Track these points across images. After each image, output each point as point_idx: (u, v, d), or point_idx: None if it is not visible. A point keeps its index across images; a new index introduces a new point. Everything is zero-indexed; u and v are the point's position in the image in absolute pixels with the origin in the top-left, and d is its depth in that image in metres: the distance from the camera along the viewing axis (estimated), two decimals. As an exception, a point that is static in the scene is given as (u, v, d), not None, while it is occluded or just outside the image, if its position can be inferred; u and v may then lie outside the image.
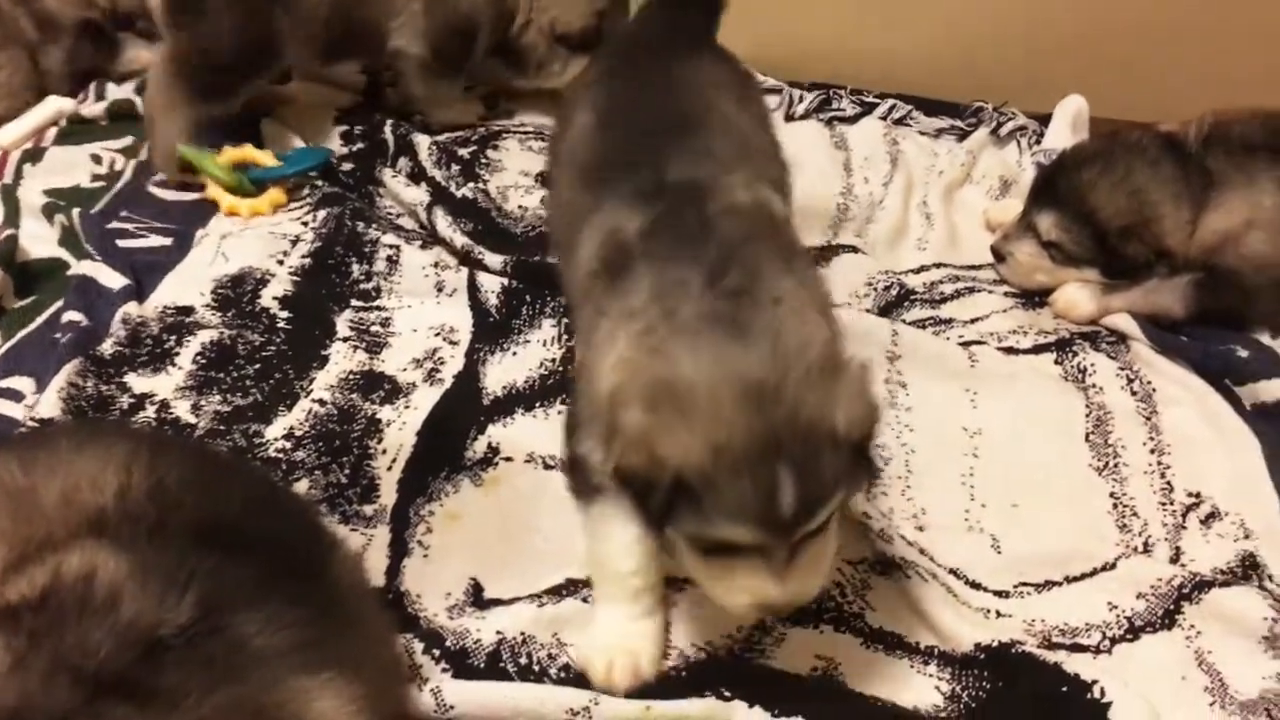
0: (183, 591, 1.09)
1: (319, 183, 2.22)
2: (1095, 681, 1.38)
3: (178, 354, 1.83)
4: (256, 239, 2.08)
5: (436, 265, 2.06)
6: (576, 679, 1.38)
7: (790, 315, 1.24)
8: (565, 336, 1.90)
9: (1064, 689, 1.37)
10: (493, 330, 1.92)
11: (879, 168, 2.41)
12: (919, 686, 1.40)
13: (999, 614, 1.50)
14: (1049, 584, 1.54)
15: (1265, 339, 1.94)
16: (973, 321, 2.02)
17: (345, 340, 1.89)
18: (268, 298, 1.96)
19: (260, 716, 1.05)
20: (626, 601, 1.39)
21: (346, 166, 2.29)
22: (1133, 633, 1.47)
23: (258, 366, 1.83)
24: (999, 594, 1.53)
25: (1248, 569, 1.55)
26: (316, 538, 1.32)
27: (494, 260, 2.02)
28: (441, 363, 1.86)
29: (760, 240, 1.35)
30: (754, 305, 1.24)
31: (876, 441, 1.28)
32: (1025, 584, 1.53)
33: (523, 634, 1.42)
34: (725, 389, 1.17)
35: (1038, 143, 2.46)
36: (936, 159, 2.45)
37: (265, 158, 2.21)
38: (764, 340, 1.20)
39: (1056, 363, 1.92)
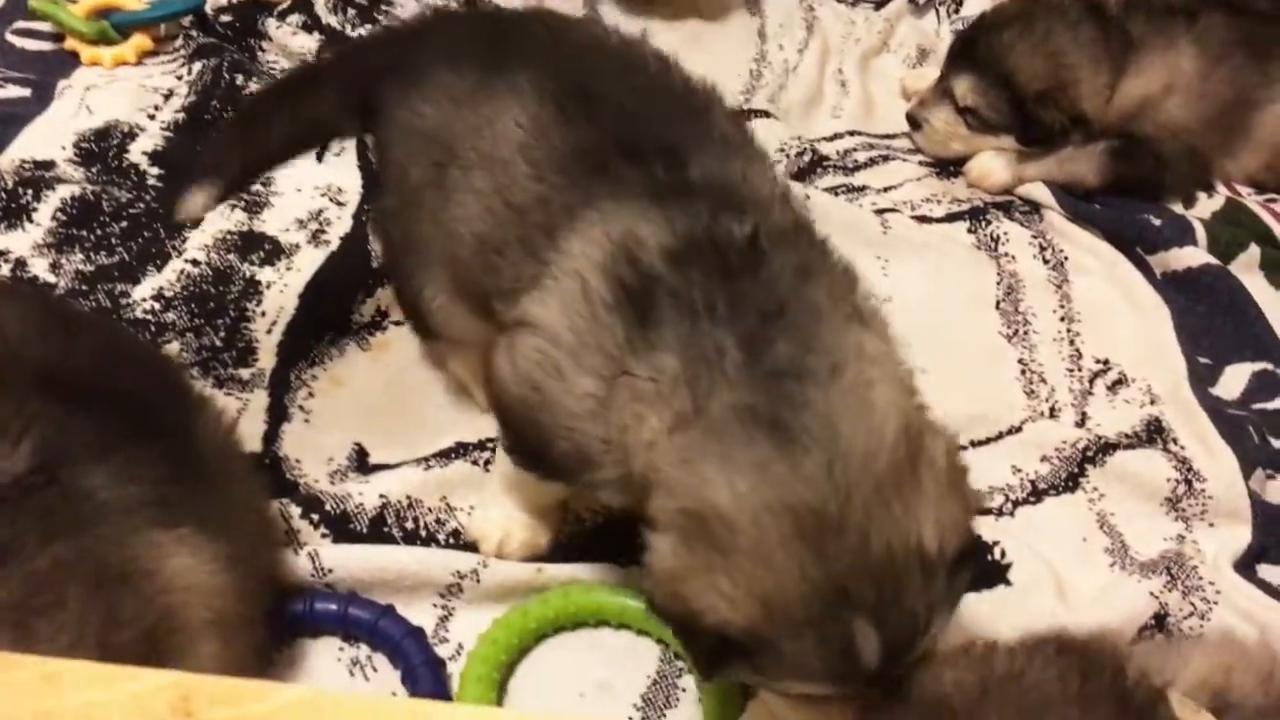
0: (17, 441, 1.00)
1: (194, 33, 2.05)
2: (996, 543, 1.36)
3: (35, 210, 1.68)
4: (124, 91, 1.92)
5: (322, 122, 1.92)
6: (465, 543, 1.32)
7: (853, 397, 0.94)
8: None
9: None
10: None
11: (794, 34, 2.32)
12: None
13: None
14: (956, 448, 1.50)
15: (1178, 208, 1.91)
16: (886, 190, 1.96)
17: (222, 199, 1.76)
18: (136, 153, 1.81)
19: (106, 570, 0.98)
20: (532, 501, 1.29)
21: (225, 18, 2.12)
22: (1036, 495, 1.45)
23: (124, 224, 1.69)
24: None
25: (1152, 433, 1.54)
26: (177, 395, 1.22)
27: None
28: (328, 224, 1.75)
29: (812, 280, 1.03)
30: (804, 390, 0.94)
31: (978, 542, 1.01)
32: (931, 448, 1.50)
33: (409, 498, 1.35)
34: (771, 522, 0.89)
35: (956, 11, 2.38)
36: (854, 27, 2.36)
37: (129, 1, 2.03)
38: (818, 446, 0.90)
39: (970, 231, 1.88)
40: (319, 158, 1.85)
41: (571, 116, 1.16)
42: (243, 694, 0.64)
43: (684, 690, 1.20)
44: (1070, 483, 1.47)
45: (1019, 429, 1.53)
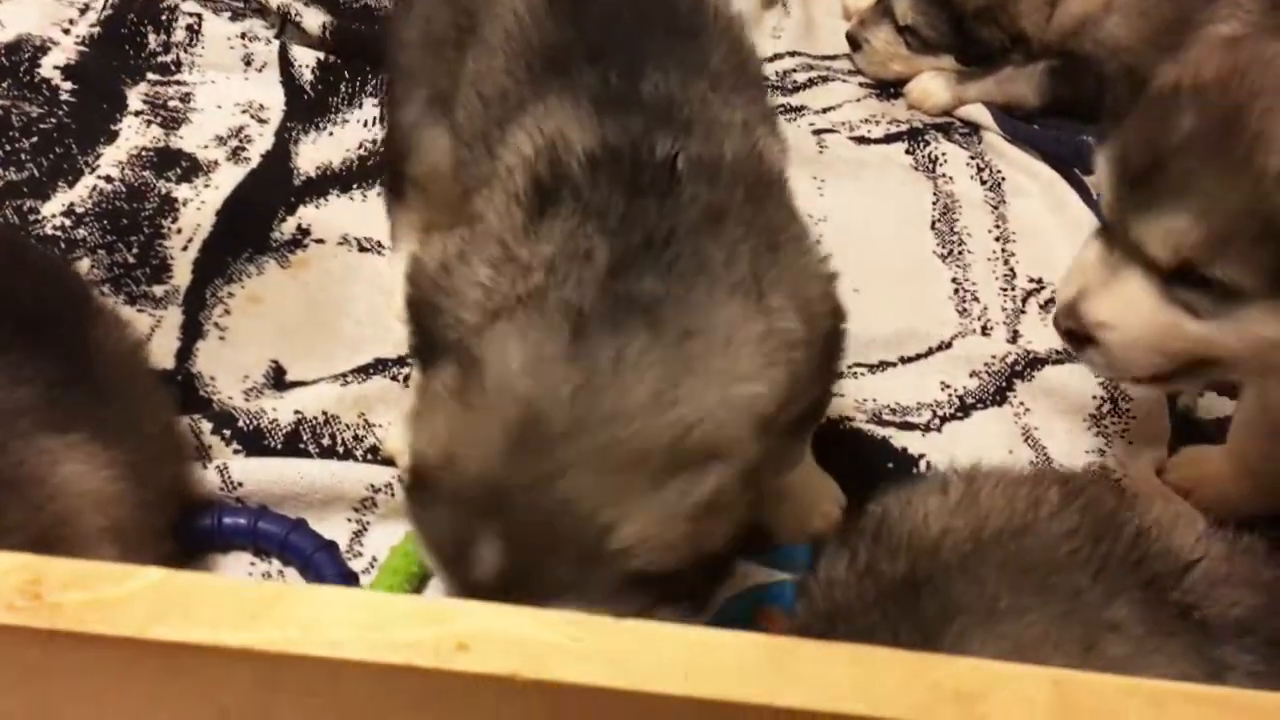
0: (-102, 343, 0.96)
1: (112, -54, 1.98)
2: (922, 456, 1.36)
3: (-61, 124, 1.63)
4: (37, 4, 1.86)
5: (244, 37, 1.86)
6: (383, 459, 1.29)
7: (672, 372, 0.86)
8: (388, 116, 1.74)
9: (889, 464, 1.35)
10: (307, 108, 1.76)
11: (737, -42, 2.27)
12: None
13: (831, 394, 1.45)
14: (883, 364, 1.49)
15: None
16: (825, 110, 1.93)
17: (138, 115, 1.71)
18: (49, 67, 1.75)
19: (-10, 474, 0.94)
20: None
21: (145, -69, 2.05)
22: (963, 410, 1.44)
23: (35, 140, 1.64)
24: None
25: (1082, 351, 1.53)
26: (76, 306, 1.18)
27: (312, 21, 1.83)
28: (249, 141, 1.70)
29: (718, 229, 0.95)
30: (638, 332, 0.87)
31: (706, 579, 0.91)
32: (860, 364, 1.48)
33: (325, 414, 1.32)
34: (508, 405, 0.85)
35: (901, -68, 2.34)
36: (796, -51, 2.31)
37: (43, -90, 1.95)
38: (611, 385, 0.85)
39: (908, 152, 1.86)
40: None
41: (558, 13, 1.12)
42: (96, 576, 0.62)
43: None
44: (998, 397, 1.46)
45: (949, 345, 1.51)
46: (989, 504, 0.79)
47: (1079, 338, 1.04)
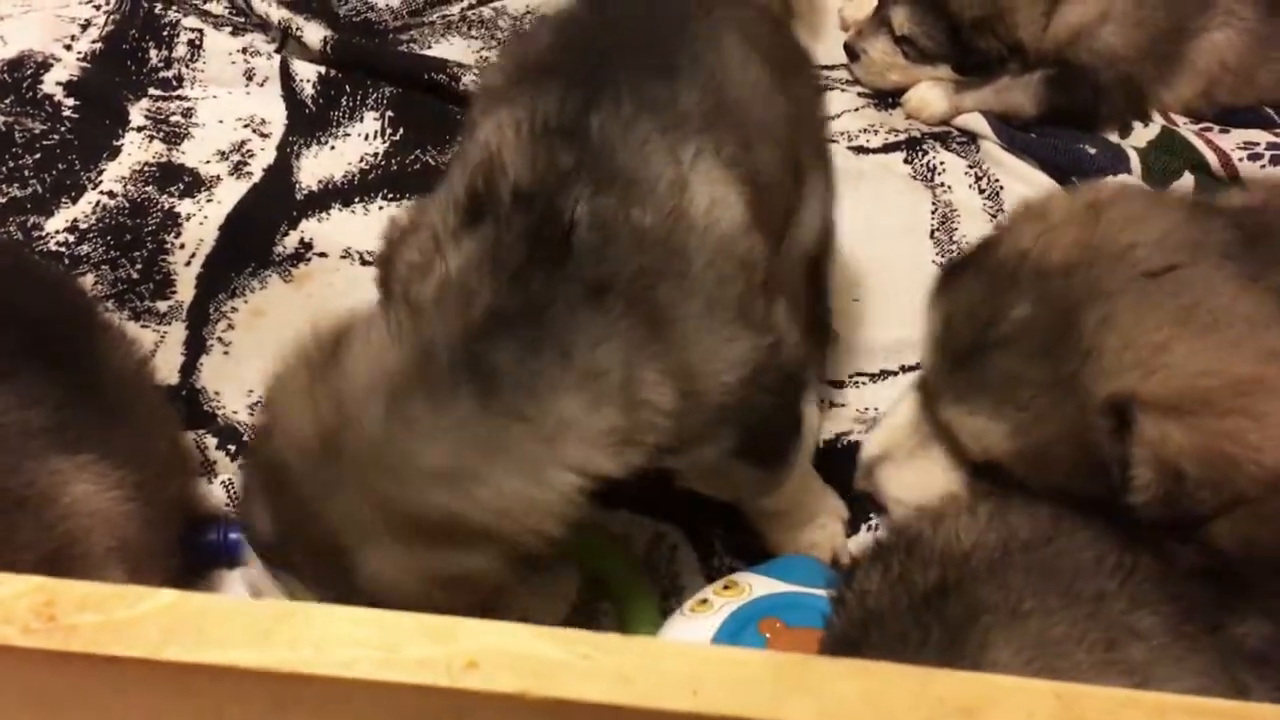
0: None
1: (112, -39, 1.99)
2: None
3: (-57, 142, 1.64)
4: (39, 21, 1.87)
5: (245, 52, 1.87)
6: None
7: (491, 456, 0.85)
8: (390, 130, 1.76)
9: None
10: (308, 122, 1.77)
11: None
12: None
13: (833, 404, 1.46)
14: (884, 373, 1.50)
15: (1114, 138, 1.91)
16: (823, 121, 1.94)
17: (140, 130, 1.72)
18: (51, 84, 1.76)
19: (3, 496, 0.95)
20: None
21: (146, -53, 2.06)
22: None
23: (38, 156, 1.65)
24: (835, 384, 1.49)
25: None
26: (83, 324, 1.19)
27: (313, 36, 1.84)
28: (250, 155, 1.71)
29: (603, 307, 0.89)
30: (475, 405, 0.86)
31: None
32: (861, 374, 1.50)
33: (329, 428, 1.33)
34: (329, 403, 0.87)
35: (898, -58, 2.35)
36: (795, -41, 2.33)
37: (44, -72, 1.96)
38: (418, 440, 0.85)
39: (906, 161, 1.86)
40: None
41: (554, 21, 1.10)
42: (110, 598, 0.63)
43: (604, 614, 1.19)
44: (998, 405, 1.47)
45: (948, 354, 1.52)
46: (1017, 521, 0.82)
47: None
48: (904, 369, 1.50)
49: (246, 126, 1.75)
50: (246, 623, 0.62)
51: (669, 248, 0.93)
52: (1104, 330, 0.82)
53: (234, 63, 1.85)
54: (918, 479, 0.94)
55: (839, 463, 1.35)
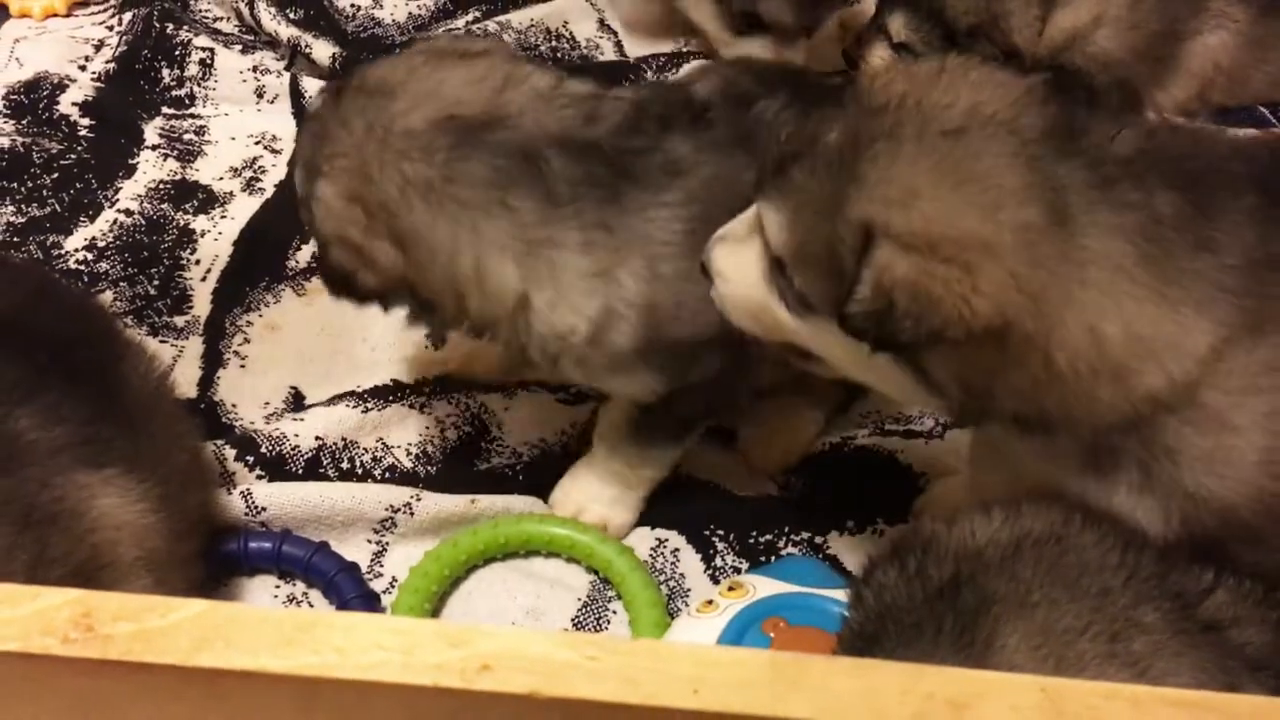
0: (-58, 385, 1.01)
1: (124, -17, 2.03)
2: (924, 474, 1.39)
3: (-37, 163, 1.68)
4: (54, 43, 1.91)
5: (256, 70, 1.91)
6: (401, 479, 1.34)
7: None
8: (397, 144, 1.79)
9: (893, 473, 1.39)
10: (319, 138, 1.80)
11: None
12: (755, 478, 1.38)
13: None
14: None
15: (1109, 140, 1.93)
16: (823, 127, 1.97)
17: (155, 149, 1.76)
18: (67, 104, 1.80)
19: (34, 510, 0.99)
20: (625, 487, 1.29)
21: (156, -33, 2.10)
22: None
23: (56, 176, 1.69)
24: (841, 389, 1.52)
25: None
26: (105, 340, 1.23)
27: (322, 53, 1.87)
28: (262, 171, 1.74)
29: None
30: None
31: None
32: (862, 378, 1.52)
33: (344, 438, 1.36)
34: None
35: (896, -52, 2.37)
36: (794, -33, 2.35)
37: (58, -48, 2.01)
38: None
39: (904, 166, 1.89)
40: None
41: None
42: (143, 609, 0.66)
43: (614, 612, 1.22)
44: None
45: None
46: (1028, 522, 0.86)
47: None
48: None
49: (258, 143, 1.78)
50: (273, 630, 0.66)
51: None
52: (877, 164, 0.90)
53: (245, 80, 1.89)
54: (739, 260, 1.02)
55: (841, 464, 1.39)
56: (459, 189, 1.07)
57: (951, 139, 0.89)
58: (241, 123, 1.81)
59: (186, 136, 1.78)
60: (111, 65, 1.88)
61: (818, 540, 1.32)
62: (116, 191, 1.68)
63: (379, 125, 1.08)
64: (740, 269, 1.03)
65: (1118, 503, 0.96)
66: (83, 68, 1.88)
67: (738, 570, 1.28)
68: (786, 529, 1.32)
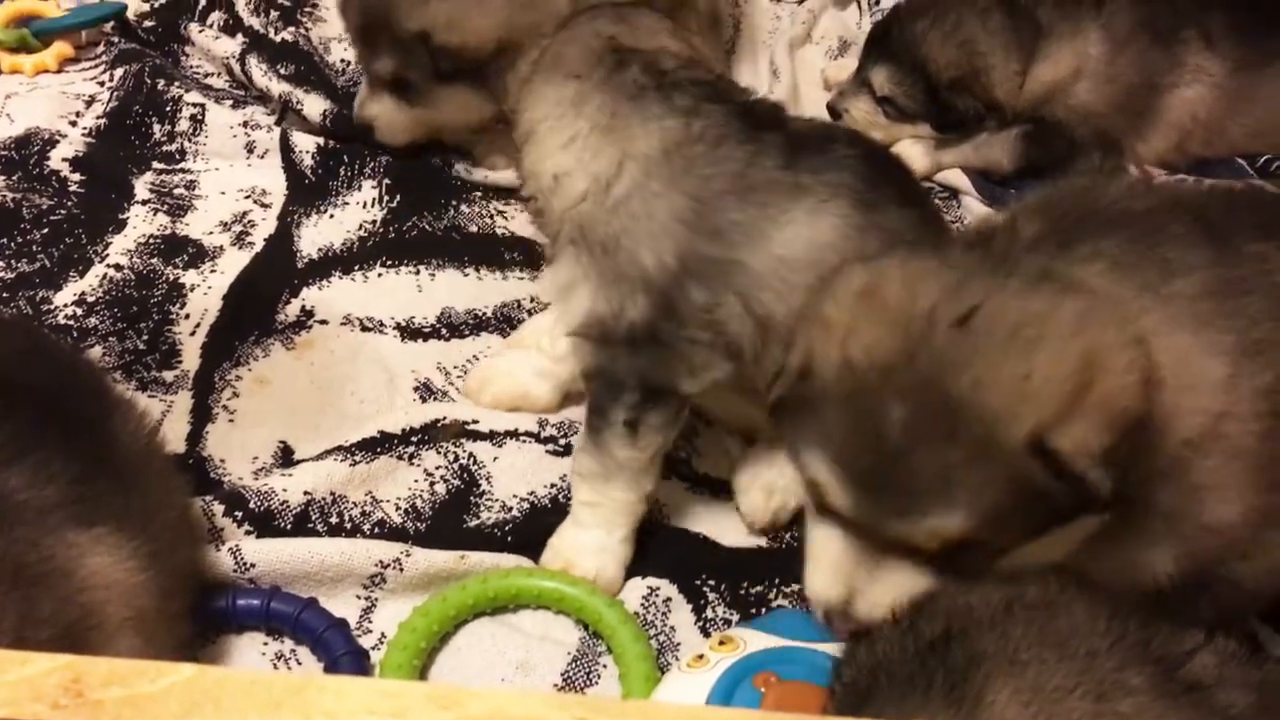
0: (-68, 445, 1.01)
1: (115, 39, 2.05)
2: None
3: (-47, 219, 1.68)
4: (45, 98, 1.92)
5: (246, 125, 1.93)
6: (390, 535, 1.34)
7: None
8: (387, 197, 1.81)
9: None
10: (308, 192, 1.82)
11: (723, 32, 2.35)
12: (742, 528, 1.39)
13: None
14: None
15: (1090, 191, 1.96)
16: (808, 179, 1.99)
17: (145, 204, 1.77)
18: (57, 160, 1.81)
19: (23, 570, 0.98)
20: (606, 527, 1.30)
21: (148, 23, 2.13)
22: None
23: (46, 231, 1.70)
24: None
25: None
26: (94, 397, 1.23)
27: (314, 109, 1.89)
28: (252, 226, 1.76)
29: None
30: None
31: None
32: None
33: (333, 493, 1.36)
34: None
35: (877, 3, 2.42)
36: (779, 21, 2.40)
37: (49, 8, 2.03)
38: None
39: (889, 218, 1.92)
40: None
41: None
42: (133, 674, 0.66)
43: (604, 666, 1.22)
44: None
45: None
46: (1024, 589, 0.89)
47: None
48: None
49: (248, 197, 1.80)
50: (263, 693, 0.66)
51: None
52: (979, 390, 0.89)
53: (235, 136, 1.91)
54: (894, 590, 0.97)
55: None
56: None
57: (980, 320, 0.92)
58: (232, 178, 1.83)
59: (177, 191, 1.79)
60: (102, 121, 1.89)
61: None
62: (106, 246, 1.69)
63: None
64: (900, 595, 0.96)
65: (1134, 557, 0.98)
66: (74, 123, 1.89)
67: (729, 622, 1.28)
68: (777, 580, 1.32)
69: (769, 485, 1.37)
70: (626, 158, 1.27)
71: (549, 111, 1.33)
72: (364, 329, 1.61)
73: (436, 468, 1.40)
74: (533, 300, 1.65)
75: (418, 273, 1.68)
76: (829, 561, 0.99)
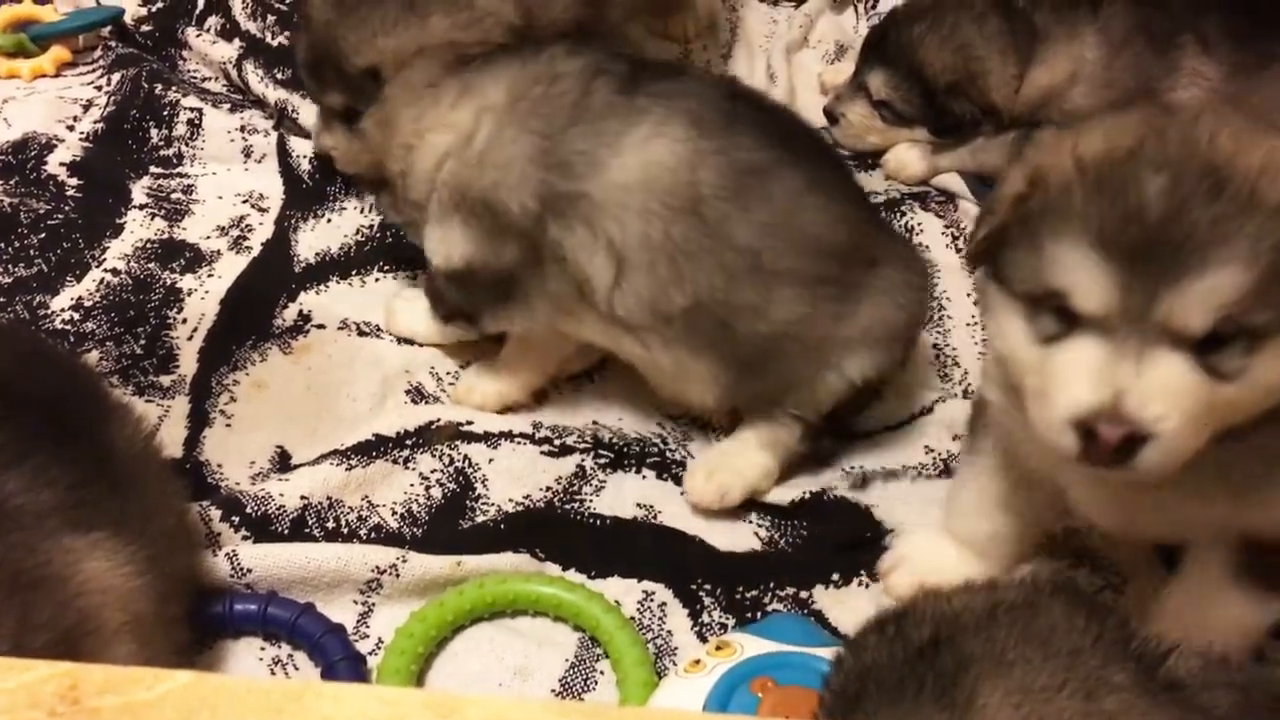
0: (-71, 450, 1.01)
1: (113, 44, 2.05)
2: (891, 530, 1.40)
3: (-50, 224, 1.68)
4: (42, 103, 1.92)
5: (244, 129, 1.92)
6: (387, 539, 1.34)
7: None
8: (384, 202, 1.81)
9: (868, 534, 1.40)
10: (305, 197, 1.82)
11: (718, 37, 2.36)
12: (738, 532, 1.39)
13: (820, 466, 1.50)
14: (869, 434, 1.54)
15: (1086, 194, 1.96)
16: (805, 183, 1.99)
17: (142, 208, 1.77)
18: (54, 164, 1.81)
19: (20, 576, 0.99)
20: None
21: (145, 28, 2.13)
22: (946, 472, 1.48)
23: (43, 236, 1.70)
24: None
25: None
26: (92, 401, 1.23)
27: (309, 115, 1.88)
28: (249, 230, 1.76)
29: None
30: None
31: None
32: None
33: (330, 498, 1.36)
34: None
35: (873, 7, 2.42)
36: (775, 25, 2.40)
37: (47, 13, 2.03)
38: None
39: (885, 222, 1.92)
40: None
41: None
42: (129, 681, 0.66)
43: (601, 673, 1.22)
44: (980, 459, 1.50)
45: (930, 409, 1.56)
46: (1003, 593, 0.89)
47: (1130, 443, 0.92)
48: (888, 427, 1.55)
49: (245, 202, 1.80)
50: (260, 700, 0.66)
51: None
52: (1238, 155, 0.92)
53: (232, 140, 1.91)
54: (1165, 384, 0.94)
55: (823, 514, 1.41)
56: None
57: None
58: (229, 182, 1.83)
59: (174, 196, 1.79)
60: (100, 125, 1.89)
61: (803, 595, 1.32)
62: (103, 251, 1.69)
63: None
64: (1176, 392, 0.93)
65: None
66: (71, 128, 1.89)
67: (724, 626, 1.29)
68: (772, 584, 1.33)
69: (710, 467, 1.40)
70: (482, 111, 1.35)
71: (412, 96, 1.40)
72: (361, 333, 1.61)
73: (432, 471, 1.41)
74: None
75: (414, 277, 1.68)
76: (1085, 367, 0.93)
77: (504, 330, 1.48)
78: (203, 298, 1.64)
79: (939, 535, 1.32)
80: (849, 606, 1.31)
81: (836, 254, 1.36)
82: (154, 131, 1.90)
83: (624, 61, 1.38)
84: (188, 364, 1.54)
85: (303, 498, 1.35)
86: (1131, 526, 1.17)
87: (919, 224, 1.90)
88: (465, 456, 1.43)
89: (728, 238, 1.31)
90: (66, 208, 1.75)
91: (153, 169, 1.84)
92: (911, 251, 1.51)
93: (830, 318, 1.36)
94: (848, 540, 1.38)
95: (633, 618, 1.26)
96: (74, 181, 1.79)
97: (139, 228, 1.73)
